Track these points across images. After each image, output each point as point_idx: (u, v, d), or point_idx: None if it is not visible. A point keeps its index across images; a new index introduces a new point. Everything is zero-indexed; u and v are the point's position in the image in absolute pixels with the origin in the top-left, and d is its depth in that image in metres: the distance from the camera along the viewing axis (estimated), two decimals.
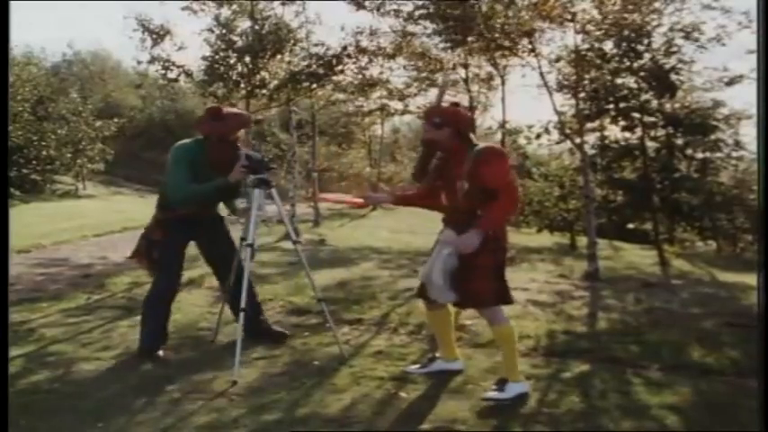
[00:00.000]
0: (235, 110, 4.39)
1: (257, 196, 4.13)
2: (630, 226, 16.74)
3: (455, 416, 3.25)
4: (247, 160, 4.10)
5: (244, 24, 9.37)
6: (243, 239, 4.21)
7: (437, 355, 3.96)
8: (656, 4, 9.54)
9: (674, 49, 11.81)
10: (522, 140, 12.66)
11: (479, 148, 3.45)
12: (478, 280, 3.43)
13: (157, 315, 4.27)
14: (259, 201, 4.14)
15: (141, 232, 4.40)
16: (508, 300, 3.55)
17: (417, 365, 3.95)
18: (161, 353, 4.17)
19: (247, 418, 3.20)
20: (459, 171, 3.48)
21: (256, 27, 9.24)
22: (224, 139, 4.14)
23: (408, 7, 9.95)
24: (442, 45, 11.45)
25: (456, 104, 3.75)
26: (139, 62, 9.20)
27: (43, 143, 20.69)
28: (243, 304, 3.93)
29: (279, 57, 9.33)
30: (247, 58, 8.92)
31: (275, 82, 9.49)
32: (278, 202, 4.31)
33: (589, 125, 12.74)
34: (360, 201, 4.05)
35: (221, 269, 4.44)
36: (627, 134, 13.90)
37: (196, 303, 5.78)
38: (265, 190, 4.16)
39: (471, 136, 3.58)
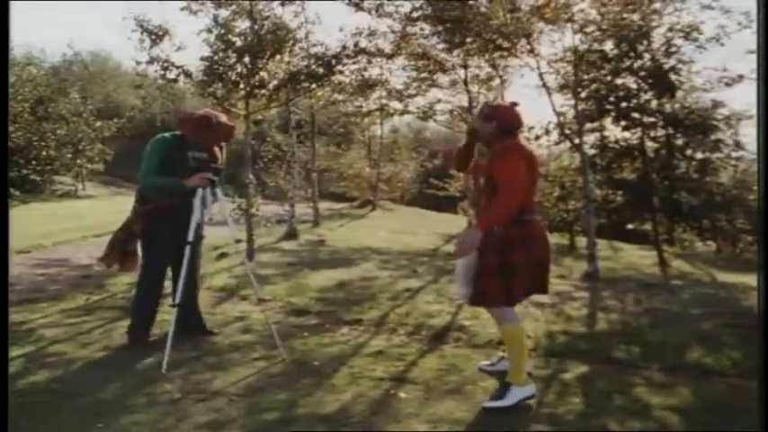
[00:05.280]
0: (223, 120, 4.41)
1: (201, 194, 4.21)
2: (630, 226, 16.73)
3: (454, 416, 3.25)
4: (194, 161, 4.26)
5: (243, 25, 9.35)
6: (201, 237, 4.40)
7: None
8: (656, 5, 9.53)
9: (674, 49, 11.81)
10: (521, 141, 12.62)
11: (498, 144, 3.52)
12: (483, 279, 3.40)
13: (147, 309, 4.48)
14: (204, 198, 4.22)
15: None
16: (510, 301, 3.44)
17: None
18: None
19: (246, 418, 3.20)
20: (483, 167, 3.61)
21: (255, 27, 9.22)
22: (203, 145, 4.34)
23: (406, 8, 9.95)
24: (440, 46, 11.45)
25: (514, 104, 3.74)
26: (138, 62, 9.16)
27: (43, 143, 20.70)
28: (178, 300, 4.11)
29: (278, 57, 9.30)
30: (246, 59, 8.90)
31: (274, 82, 9.46)
32: (222, 201, 4.32)
33: (589, 125, 12.73)
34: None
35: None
36: (626, 134, 13.90)
37: None
38: (210, 188, 4.23)
39: (518, 136, 3.59)
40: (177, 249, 4.24)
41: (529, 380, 3.44)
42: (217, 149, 4.48)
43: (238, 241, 4.35)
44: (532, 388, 3.41)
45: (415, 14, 9.89)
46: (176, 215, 4.27)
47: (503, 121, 3.54)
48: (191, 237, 4.16)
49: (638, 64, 11.99)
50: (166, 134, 4.40)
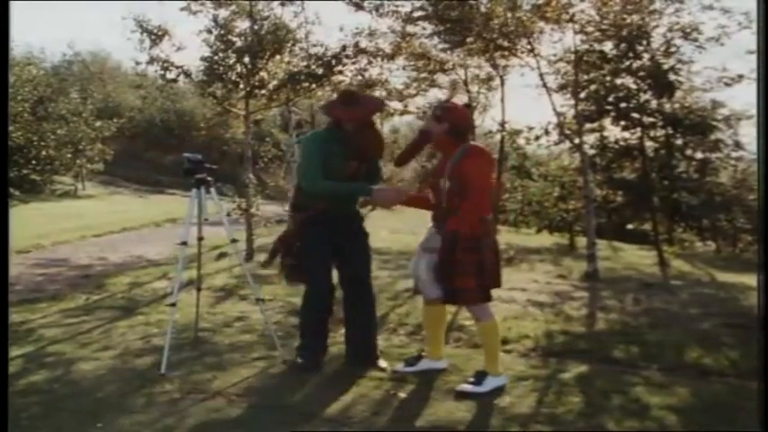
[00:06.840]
0: (366, 93, 4.28)
1: (196, 196, 4.21)
2: (630, 226, 16.72)
3: (454, 416, 3.25)
4: (187, 162, 4.21)
5: (242, 25, 9.36)
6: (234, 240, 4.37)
7: (423, 353, 4.02)
8: (656, 5, 9.53)
9: (673, 49, 11.80)
10: (521, 141, 12.64)
11: (466, 146, 3.64)
12: (459, 277, 3.50)
13: (317, 328, 3.99)
14: (199, 200, 4.22)
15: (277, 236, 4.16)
16: (487, 297, 3.62)
17: (403, 364, 3.95)
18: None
19: (247, 418, 3.20)
20: (444, 169, 3.63)
21: (255, 27, 9.23)
22: (362, 124, 3.88)
23: (406, 8, 9.94)
24: (441, 46, 11.44)
25: (467, 105, 3.90)
26: (138, 63, 9.18)
27: (43, 143, 20.67)
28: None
29: (278, 57, 9.32)
30: (246, 59, 8.91)
31: (274, 82, 9.47)
32: (217, 202, 4.29)
33: (588, 126, 12.73)
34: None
35: (349, 277, 4.06)
36: (626, 134, 13.90)
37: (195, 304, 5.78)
38: (205, 189, 4.22)
39: (469, 138, 3.73)
40: (337, 260, 3.98)
41: (501, 370, 3.68)
42: (375, 137, 4.02)
43: (234, 241, 4.33)
44: (505, 378, 3.66)
45: (415, 14, 9.89)
46: (333, 221, 3.89)
47: (455, 123, 3.62)
48: (187, 236, 4.10)
49: (637, 64, 11.98)
50: (320, 130, 4.10)
